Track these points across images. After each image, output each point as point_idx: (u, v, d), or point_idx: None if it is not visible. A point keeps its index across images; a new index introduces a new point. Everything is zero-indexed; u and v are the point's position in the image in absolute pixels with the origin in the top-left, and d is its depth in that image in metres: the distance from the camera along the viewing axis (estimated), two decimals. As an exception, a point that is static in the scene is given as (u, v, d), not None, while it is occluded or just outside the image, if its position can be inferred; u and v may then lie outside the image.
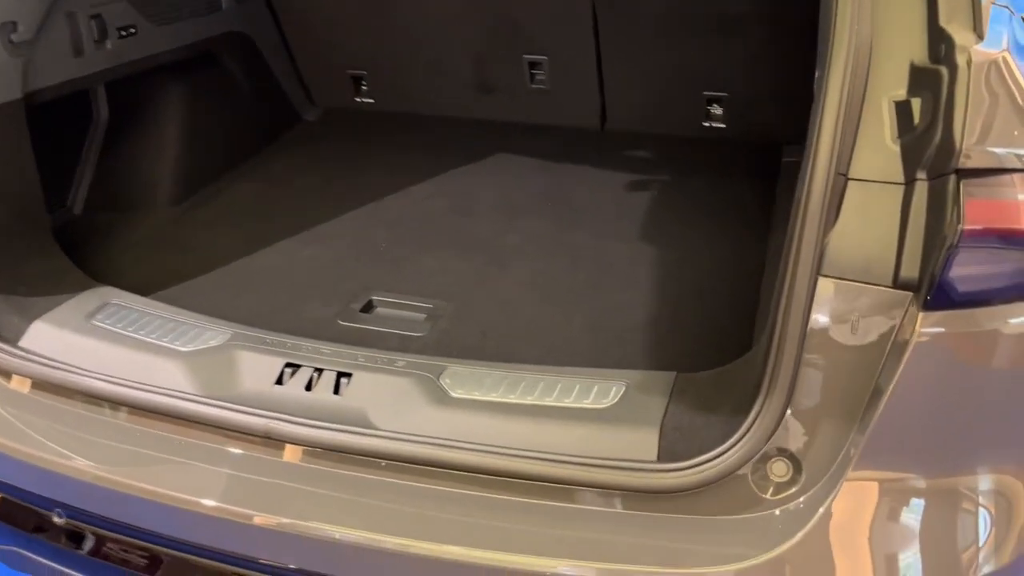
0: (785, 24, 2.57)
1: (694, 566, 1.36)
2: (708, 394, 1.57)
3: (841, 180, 1.30)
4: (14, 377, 1.77)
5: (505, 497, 1.48)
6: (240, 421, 1.59)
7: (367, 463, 1.54)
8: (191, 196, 2.69)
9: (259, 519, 1.50)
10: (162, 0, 2.56)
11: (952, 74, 1.23)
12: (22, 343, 1.83)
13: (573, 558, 1.39)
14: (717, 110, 2.87)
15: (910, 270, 1.27)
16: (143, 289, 2.09)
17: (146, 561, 1.66)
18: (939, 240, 1.23)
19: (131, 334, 1.82)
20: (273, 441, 1.58)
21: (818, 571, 1.35)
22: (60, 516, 1.68)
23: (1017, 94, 1.22)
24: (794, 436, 1.37)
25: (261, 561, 1.55)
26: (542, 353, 1.93)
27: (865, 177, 1.31)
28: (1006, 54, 1.23)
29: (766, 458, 1.38)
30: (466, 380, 1.65)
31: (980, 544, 1.34)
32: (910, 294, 1.28)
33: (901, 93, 1.33)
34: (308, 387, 1.66)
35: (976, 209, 1.20)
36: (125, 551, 1.67)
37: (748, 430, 1.38)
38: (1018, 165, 1.21)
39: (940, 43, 1.30)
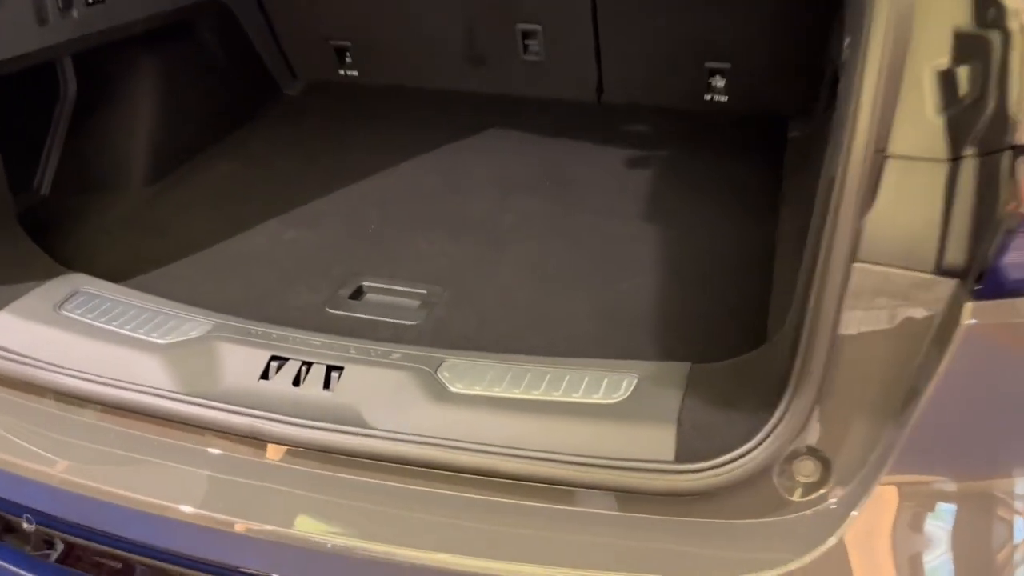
0: None
1: (732, 574, 1.29)
2: (725, 387, 1.50)
3: (879, 157, 1.21)
4: (-24, 373, 1.69)
5: (511, 501, 1.42)
6: (223, 420, 1.52)
7: (361, 465, 1.47)
8: (166, 176, 2.60)
9: (242, 526, 1.43)
10: None
11: (1006, 40, 1.14)
12: (-15, 336, 1.74)
13: (589, 568, 1.32)
14: (719, 82, 2.78)
15: (955, 255, 1.18)
16: (116, 276, 2.01)
17: (121, 570, 1.60)
18: (992, 222, 1.14)
19: (104, 325, 1.75)
20: (258, 441, 1.51)
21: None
22: (29, 522, 1.63)
23: (1078, 62, 1.13)
24: (824, 433, 1.29)
25: (243, 570, 1.48)
26: (544, 341, 1.86)
27: (905, 154, 1.21)
28: (1064, 18, 1.14)
29: (792, 457, 1.31)
30: (466, 373, 1.57)
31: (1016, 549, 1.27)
32: (955, 281, 1.19)
33: (944, 62, 1.22)
34: (296, 382, 1.57)
35: None
36: (99, 559, 1.61)
37: (775, 427, 1.30)
38: (1081, 140, 1.12)
39: (989, 7, 1.20)
